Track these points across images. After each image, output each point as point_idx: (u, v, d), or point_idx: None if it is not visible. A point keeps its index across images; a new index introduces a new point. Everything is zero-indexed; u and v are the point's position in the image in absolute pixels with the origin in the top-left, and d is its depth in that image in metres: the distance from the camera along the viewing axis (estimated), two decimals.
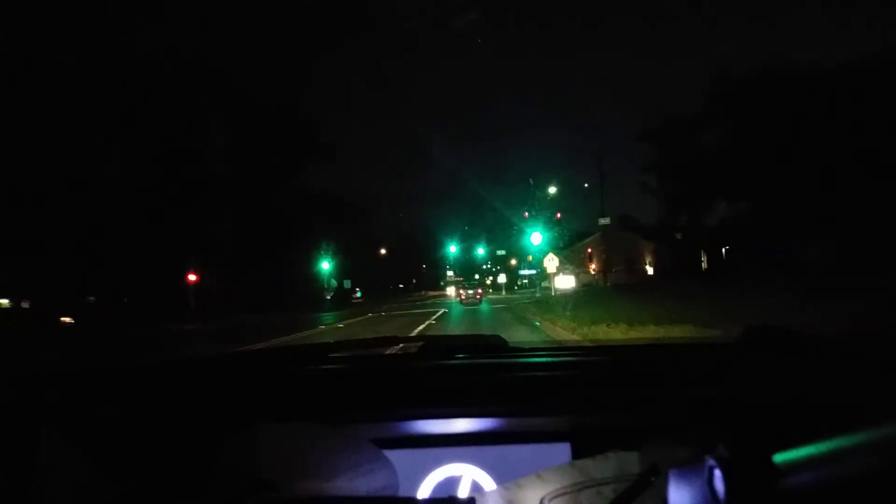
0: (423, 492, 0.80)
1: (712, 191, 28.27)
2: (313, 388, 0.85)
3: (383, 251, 48.50)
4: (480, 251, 51.78)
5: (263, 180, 32.61)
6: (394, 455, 0.73)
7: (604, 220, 29.50)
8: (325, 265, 31.47)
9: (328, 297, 30.25)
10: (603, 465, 0.63)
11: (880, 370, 0.75)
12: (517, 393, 0.79)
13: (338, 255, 33.35)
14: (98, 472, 0.68)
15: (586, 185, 33.50)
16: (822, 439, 0.38)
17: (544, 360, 0.90)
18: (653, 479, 0.56)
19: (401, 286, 63.87)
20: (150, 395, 0.85)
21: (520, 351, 1.00)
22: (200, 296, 25.31)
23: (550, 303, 16.89)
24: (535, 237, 22.03)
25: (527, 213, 27.79)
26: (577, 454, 0.78)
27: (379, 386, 0.83)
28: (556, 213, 27.99)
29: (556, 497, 0.59)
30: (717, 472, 0.43)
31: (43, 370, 0.94)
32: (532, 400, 0.78)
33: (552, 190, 28.46)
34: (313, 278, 31.83)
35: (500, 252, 50.52)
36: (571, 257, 39.28)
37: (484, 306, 22.12)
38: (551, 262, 20.66)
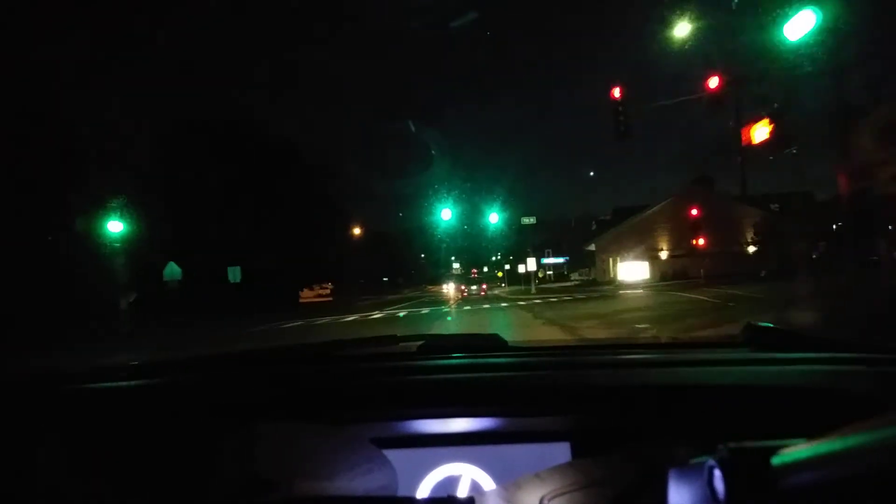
0: (423, 491, 0.80)
1: None
2: (313, 388, 0.85)
3: (357, 230, 33.25)
4: (494, 218, 25.54)
5: None
6: (393, 455, 0.73)
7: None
8: (117, 227, 14.33)
9: (124, 307, 14.43)
10: (603, 465, 0.63)
11: (880, 370, 0.75)
12: (516, 392, 0.79)
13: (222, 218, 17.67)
14: (98, 473, 0.69)
15: None
16: (822, 439, 0.38)
17: (544, 359, 0.90)
18: (653, 479, 0.55)
19: (385, 279, 52.21)
20: (151, 395, 0.86)
21: (519, 350, 1.00)
22: None
23: None
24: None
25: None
26: (577, 454, 0.78)
27: (378, 385, 0.83)
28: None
29: (555, 497, 0.59)
30: (717, 472, 0.43)
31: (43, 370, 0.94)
32: (532, 399, 0.78)
33: None
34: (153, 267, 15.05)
35: (527, 220, 30.83)
36: (626, 235, 28.87)
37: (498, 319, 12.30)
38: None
